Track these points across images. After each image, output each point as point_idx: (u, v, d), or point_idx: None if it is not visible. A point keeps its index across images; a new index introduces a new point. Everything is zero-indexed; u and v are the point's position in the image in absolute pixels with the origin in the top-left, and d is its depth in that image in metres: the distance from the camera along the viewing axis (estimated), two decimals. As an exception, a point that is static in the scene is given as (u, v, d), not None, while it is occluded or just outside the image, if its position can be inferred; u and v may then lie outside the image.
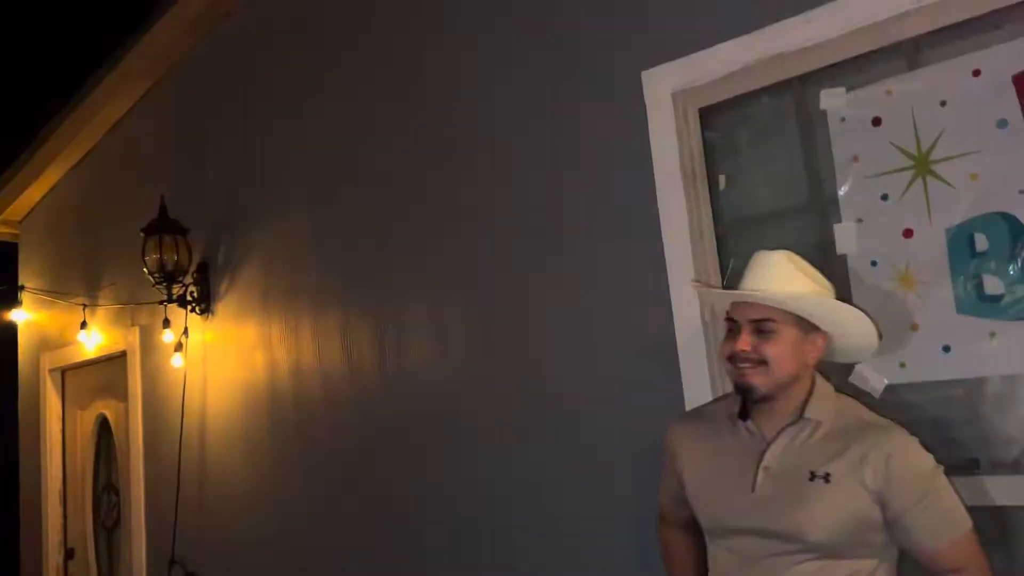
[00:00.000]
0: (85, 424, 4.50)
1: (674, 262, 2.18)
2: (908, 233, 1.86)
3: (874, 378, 1.90)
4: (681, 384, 2.16)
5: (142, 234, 3.54)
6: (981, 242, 1.76)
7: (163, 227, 3.55)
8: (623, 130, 2.30)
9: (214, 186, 3.72)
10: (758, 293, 1.60)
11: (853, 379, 1.92)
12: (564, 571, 2.40)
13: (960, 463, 1.79)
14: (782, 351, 1.58)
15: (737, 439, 1.67)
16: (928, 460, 1.55)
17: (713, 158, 2.20)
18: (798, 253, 1.97)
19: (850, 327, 1.64)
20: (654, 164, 2.23)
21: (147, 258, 3.53)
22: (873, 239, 1.90)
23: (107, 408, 4.34)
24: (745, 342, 1.60)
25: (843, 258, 1.95)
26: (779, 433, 1.61)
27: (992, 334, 1.75)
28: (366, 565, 2.94)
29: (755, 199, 2.14)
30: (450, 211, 2.76)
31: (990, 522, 1.76)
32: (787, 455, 1.60)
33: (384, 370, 2.96)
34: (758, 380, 1.58)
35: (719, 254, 2.18)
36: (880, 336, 1.67)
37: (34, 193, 4.80)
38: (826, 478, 1.54)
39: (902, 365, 1.86)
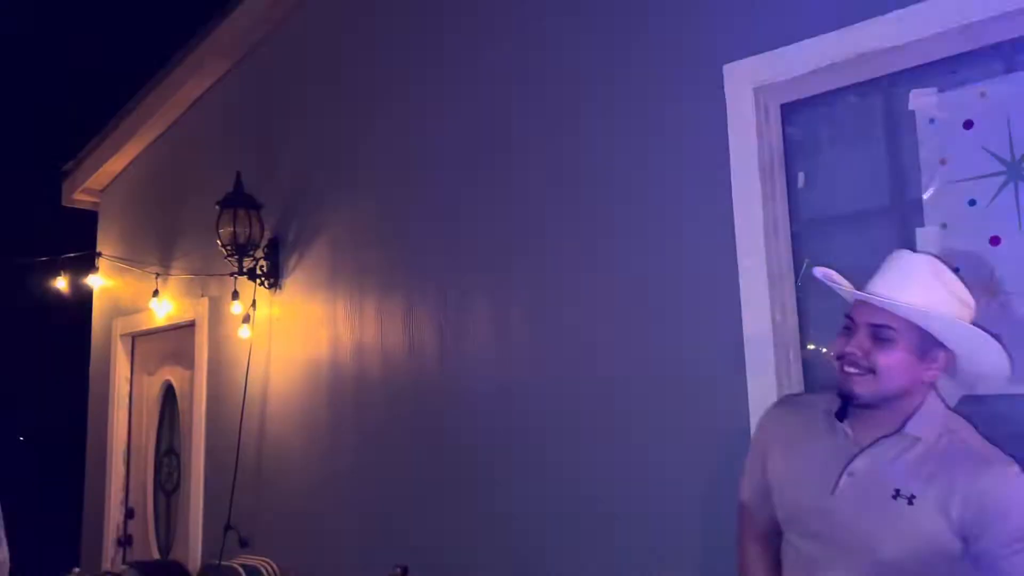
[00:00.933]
0: (151, 389, 4.65)
1: (746, 259, 2.15)
2: (995, 240, 1.80)
3: (949, 387, 1.84)
4: (746, 385, 2.13)
5: (218, 206, 3.63)
6: (1073, 253, 1.70)
7: (238, 201, 3.63)
8: (702, 124, 2.28)
9: (287, 165, 3.80)
10: (884, 298, 1.50)
11: (928, 388, 1.87)
12: (627, 570, 2.39)
13: None
14: (895, 363, 1.49)
15: (830, 438, 1.60)
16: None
17: (793, 155, 2.17)
18: (877, 257, 1.93)
19: (979, 356, 1.53)
20: (732, 159, 2.20)
21: (221, 230, 3.62)
22: (957, 245, 1.85)
23: (173, 375, 4.47)
24: (857, 345, 1.52)
25: (924, 263, 1.90)
26: (873, 443, 1.54)
27: (1080, 348, 1.68)
28: (415, 546, 2.97)
29: (834, 199, 2.10)
30: (519, 201, 2.77)
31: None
32: (877, 466, 1.53)
33: (443, 355, 2.98)
34: (862, 388, 1.51)
35: (793, 253, 2.14)
36: (1011, 369, 1.55)
37: (115, 164, 4.96)
38: (910, 500, 1.47)
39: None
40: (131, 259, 4.66)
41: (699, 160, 2.28)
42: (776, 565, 1.73)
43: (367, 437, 3.25)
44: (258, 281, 3.72)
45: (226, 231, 3.62)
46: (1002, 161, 1.80)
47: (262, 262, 3.72)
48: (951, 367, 1.55)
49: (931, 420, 1.53)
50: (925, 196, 1.91)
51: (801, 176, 2.15)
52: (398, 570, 2.91)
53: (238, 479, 3.71)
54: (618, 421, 2.43)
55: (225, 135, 4.25)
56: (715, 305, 2.21)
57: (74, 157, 5.12)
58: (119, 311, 4.84)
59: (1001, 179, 1.80)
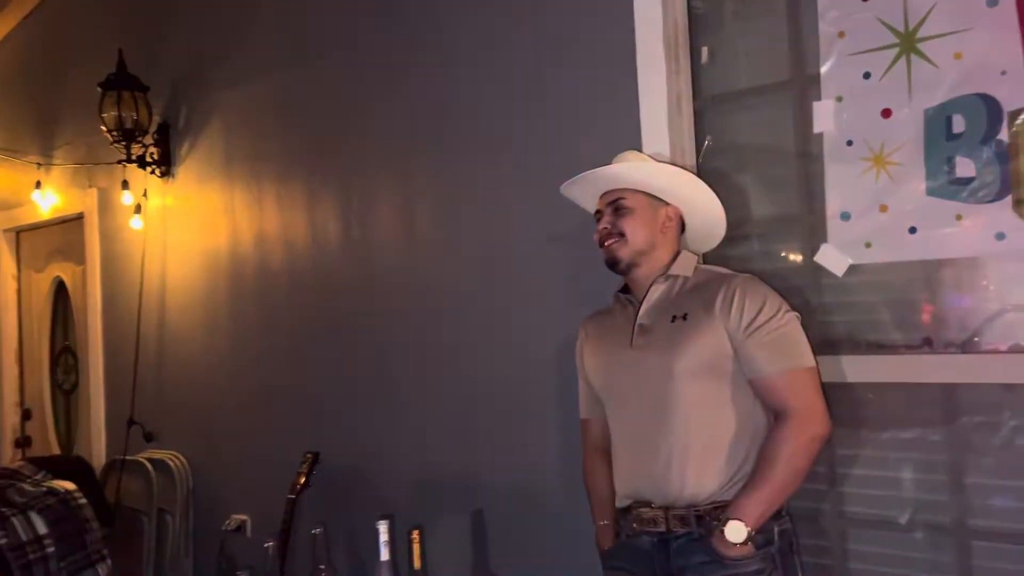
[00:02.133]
0: (40, 287, 4.42)
1: (650, 137, 2.14)
2: (887, 113, 1.84)
3: (837, 258, 1.92)
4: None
5: (99, 89, 3.39)
6: (958, 124, 1.75)
7: (122, 82, 3.39)
8: (606, -3, 2.22)
9: (174, 43, 3.56)
10: (599, 170, 1.84)
11: (817, 258, 1.94)
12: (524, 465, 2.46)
13: (915, 343, 1.84)
14: (636, 222, 1.81)
15: (622, 312, 1.89)
16: (776, 298, 1.73)
17: (697, 30, 2.14)
18: (775, 131, 2.01)
19: (696, 202, 1.84)
20: (636, 34, 2.16)
21: (105, 115, 3.39)
22: (851, 118, 1.88)
23: (63, 271, 4.26)
24: (606, 220, 1.84)
25: (819, 137, 1.93)
26: (647, 292, 1.82)
27: (958, 216, 1.76)
28: (325, 433, 2.98)
29: (736, 74, 2.10)
30: (419, 75, 2.68)
31: (938, 398, 1.83)
32: (657, 310, 1.80)
33: (347, 243, 2.92)
34: (621, 252, 1.81)
35: (696, 131, 2.15)
36: (724, 214, 1.86)
37: (-17, 45, 4.54)
38: (684, 317, 1.74)
39: (867, 245, 1.87)
40: (7, 148, 4.35)
41: (606, 33, 2.23)
42: (609, 468, 1.91)
43: (271, 327, 3.19)
44: (149, 169, 3.53)
45: (110, 115, 3.39)
46: (896, 33, 1.82)
47: (152, 149, 3.52)
48: (685, 222, 1.89)
49: (687, 262, 1.84)
50: (823, 69, 1.92)
51: (705, 51, 2.13)
52: (309, 456, 2.93)
53: (139, 374, 3.61)
54: (517, 307, 2.45)
55: (106, 9, 3.93)
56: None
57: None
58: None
59: (894, 51, 1.82)
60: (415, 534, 1.97)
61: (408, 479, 2.73)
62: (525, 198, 2.42)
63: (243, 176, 3.27)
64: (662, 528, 1.73)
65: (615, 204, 1.83)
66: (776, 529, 1.70)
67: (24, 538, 2.56)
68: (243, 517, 3.24)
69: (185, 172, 3.51)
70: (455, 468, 2.60)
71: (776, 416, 1.70)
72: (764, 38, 2.04)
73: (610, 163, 1.90)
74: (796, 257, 2.01)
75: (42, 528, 2.60)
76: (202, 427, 3.44)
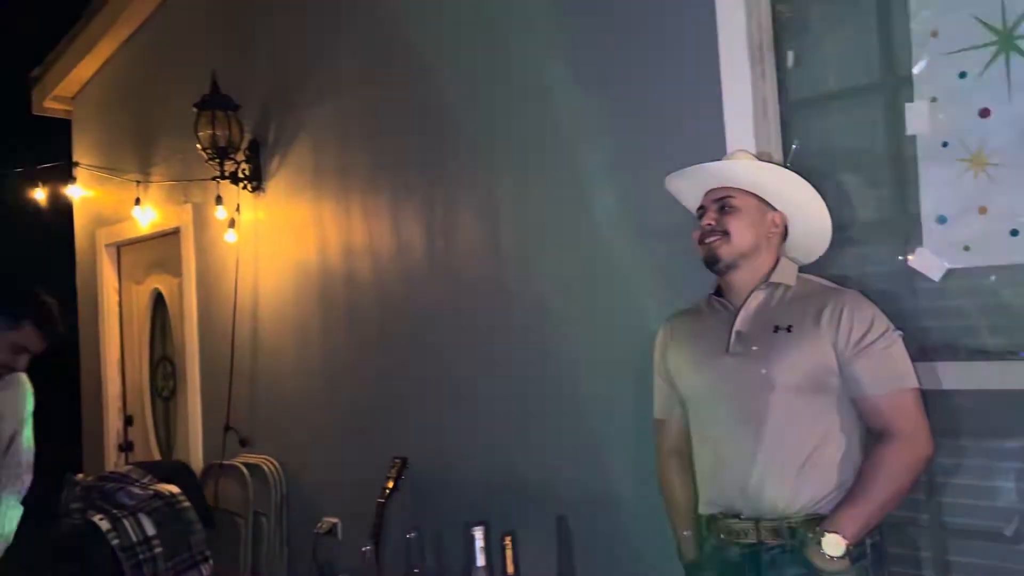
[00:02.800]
0: (140, 298, 4.65)
1: (734, 142, 2.13)
2: (985, 113, 1.79)
3: (934, 262, 1.87)
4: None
5: (195, 109, 3.55)
6: (1062, 122, 1.70)
7: (215, 102, 3.54)
8: (689, 4, 2.22)
9: (263, 63, 3.70)
10: (711, 164, 1.81)
11: (913, 263, 1.90)
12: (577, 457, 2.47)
13: (1016, 349, 1.79)
14: (742, 223, 1.78)
15: (715, 315, 1.85)
16: (882, 317, 1.71)
17: (782, 33, 2.12)
18: (866, 134, 1.98)
19: (801, 202, 1.80)
20: (720, 39, 2.16)
21: (200, 133, 3.54)
22: (947, 119, 1.84)
23: (161, 283, 4.46)
24: (711, 217, 1.80)
25: (912, 139, 1.90)
26: (747, 298, 1.78)
27: (1064, 218, 1.71)
28: (413, 439, 3.05)
29: (824, 77, 2.07)
30: (502, 82, 2.72)
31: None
32: (757, 318, 1.76)
33: (432, 252, 2.99)
34: (722, 251, 1.78)
35: (782, 135, 2.13)
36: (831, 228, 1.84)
37: (86, 69, 4.80)
38: (788, 328, 1.71)
39: (966, 248, 1.83)
40: (110, 168, 4.58)
41: (688, 39, 2.23)
42: (689, 472, 1.90)
43: (360, 335, 3.28)
44: (241, 185, 3.68)
45: (205, 134, 3.54)
46: (994, 31, 1.77)
47: (243, 165, 3.67)
48: (788, 231, 1.85)
49: (789, 271, 1.81)
50: (915, 70, 1.89)
51: (791, 55, 2.11)
52: (398, 462, 3.00)
53: (234, 382, 3.76)
54: (602, 302, 2.45)
55: (198, 33, 4.11)
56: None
57: (41, 63, 4.94)
58: (102, 221, 4.79)
59: (992, 50, 1.77)
60: (507, 540, 2.01)
61: (493, 484, 2.77)
62: (606, 205, 2.44)
63: (331, 189, 3.38)
64: (752, 540, 1.72)
65: (722, 202, 1.80)
66: (868, 542, 1.68)
67: (134, 539, 2.70)
68: (334, 520, 3.34)
69: (275, 186, 3.64)
70: (539, 473, 2.63)
71: (879, 435, 1.69)
72: (853, 40, 2.02)
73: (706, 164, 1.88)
74: (890, 262, 1.97)
75: (150, 530, 2.73)
76: (294, 432, 3.56)
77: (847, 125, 2.04)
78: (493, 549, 2.02)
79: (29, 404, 2.49)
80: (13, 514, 2.44)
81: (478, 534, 1.75)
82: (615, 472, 2.42)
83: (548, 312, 2.62)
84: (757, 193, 1.80)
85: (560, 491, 2.55)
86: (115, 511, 2.72)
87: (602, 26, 2.44)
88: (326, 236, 3.40)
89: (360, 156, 3.27)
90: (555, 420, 2.59)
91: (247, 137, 3.67)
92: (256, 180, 3.68)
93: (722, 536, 1.77)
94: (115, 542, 2.64)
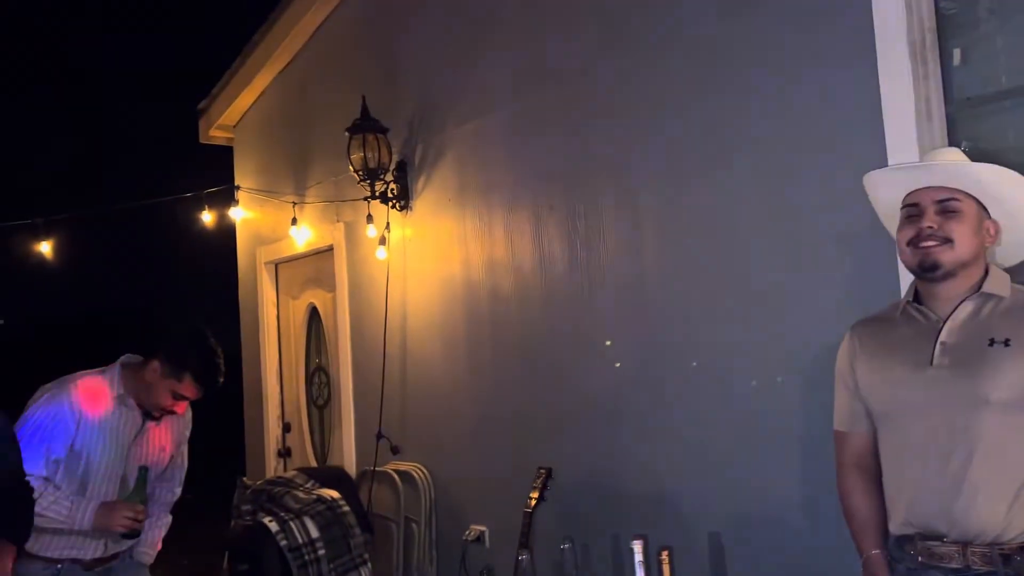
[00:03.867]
0: (297, 312, 4.92)
1: (896, 146, 2.06)
2: None
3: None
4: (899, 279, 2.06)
5: (347, 133, 3.74)
6: None
7: (365, 126, 3.72)
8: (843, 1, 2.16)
9: (410, 86, 3.85)
10: (941, 164, 1.67)
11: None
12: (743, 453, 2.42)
13: None
14: (966, 229, 1.65)
15: (912, 325, 1.73)
16: None
17: (946, 30, 2.03)
18: None
19: (1017, 203, 1.67)
20: (876, 35, 2.08)
21: (352, 156, 3.72)
22: None
23: (316, 298, 4.71)
24: (932, 220, 1.66)
25: (1096, 136, 1.77)
26: (955, 308, 1.67)
27: None
28: (557, 451, 3.08)
29: (994, 75, 1.97)
30: (642, 103, 2.73)
31: None
32: (965, 329, 1.65)
33: (573, 267, 3.02)
34: (944, 257, 1.65)
35: (948, 136, 2.03)
36: None
37: (246, 99, 5.15)
38: (1006, 343, 1.59)
39: None
40: (268, 190, 4.89)
41: (844, 37, 2.17)
42: (874, 488, 1.81)
43: (504, 348, 3.35)
44: (390, 204, 3.84)
45: (356, 157, 3.72)
46: None
47: (392, 185, 3.83)
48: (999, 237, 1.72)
49: (1003, 280, 1.69)
50: (1098, 62, 1.76)
51: (956, 52, 2.01)
52: (543, 472, 3.04)
53: (385, 391, 3.91)
54: (753, 312, 2.41)
55: (348, 60, 4.34)
56: (860, 196, 2.13)
57: (207, 95, 5.35)
58: (261, 240, 5.10)
59: None
60: (664, 554, 2.00)
61: (639, 498, 2.76)
62: (758, 210, 2.40)
63: (475, 205, 3.48)
64: (958, 565, 1.62)
65: (945, 204, 1.67)
66: None
67: (300, 540, 2.86)
68: (482, 528, 3.41)
69: (422, 205, 3.78)
70: (692, 487, 2.60)
71: None
72: (1025, 34, 1.90)
73: (870, 167, 1.81)
74: None
75: (314, 532, 2.89)
76: (443, 441, 3.67)
77: (1019, 124, 1.92)
78: (650, 564, 2.01)
79: (187, 431, 2.66)
80: (163, 522, 2.66)
81: (637, 547, 1.75)
82: (778, 488, 2.36)
83: (697, 324, 2.59)
84: (980, 199, 1.68)
85: (713, 507, 2.52)
86: (282, 513, 2.90)
87: (755, 27, 2.40)
88: (470, 251, 3.50)
89: (503, 173, 3.35)
90: (710, 431, 2.56)
91: (395, 158, 3.83)
92: (404, 199, 3.84)
93: (920, 559, 1.68)
94: (283, 543, 2.80)
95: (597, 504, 2.93)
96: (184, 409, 2.52)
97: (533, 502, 3.01)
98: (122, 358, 2.48)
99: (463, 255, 3.55)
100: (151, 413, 2.44)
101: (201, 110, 5.43)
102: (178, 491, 2.73)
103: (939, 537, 1.64)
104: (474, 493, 3.51)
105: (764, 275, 2.39)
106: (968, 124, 2.00)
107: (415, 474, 3.70)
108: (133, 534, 2.43)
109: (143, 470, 2.41)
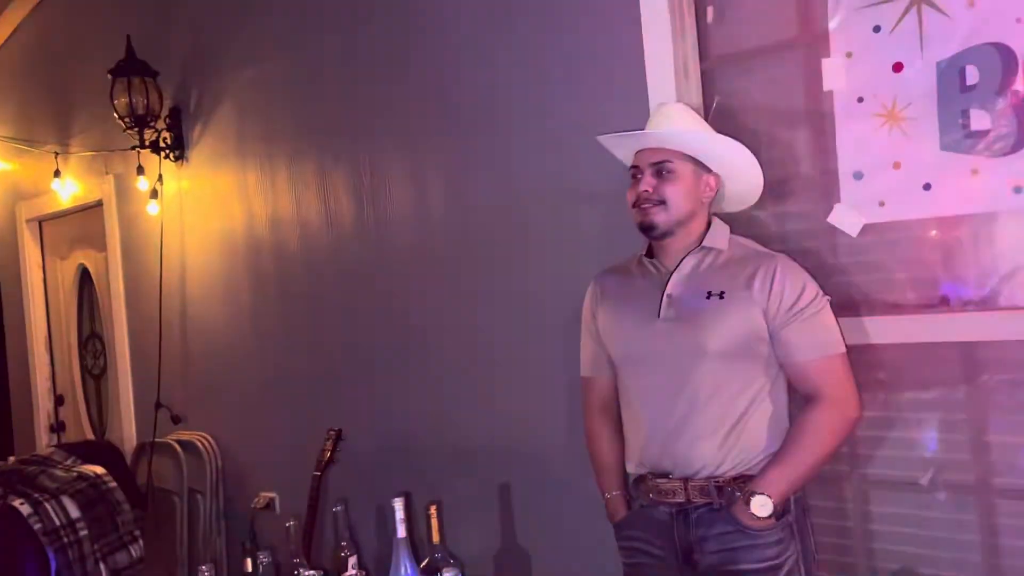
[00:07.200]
0: (65, 274, 4.49)
1: (657, 100, 2.10)
2: (898, 67, 1.79)
3: (851, 217, 1.88)
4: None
5: (109, 76, 3.40)
6: (972, 75, 1.70)
7: (131, 68, 3.40)
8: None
9: (182, 27, 3.55)
10: (653, 133, 1.76)
11: (831, 219, 1.91)
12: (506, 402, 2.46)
13: (932, 302, 1.81)
14: (680, 190, 1.75)
15: (646, 277, 1.84)
16: (812, 282, 1.73)
17: (702, -11, 2.09)
18: (785, 91, 1.97)
19: (735, 163, 1.77)
20: (640, -3, 2.12)
21: (116, 101, 3.40)
22: (861, 74, 1.84)
23: (86, 258, 4.31)
24: (648, 183, 1.75)
25: (829, 94, 1.89)
26: (680, 262, 1.77)
27: (974, 171, 1.72)
28: (348, 410, 3.01)
29: (743, 34, 2.05)
30: (425, 46, 2.65)
31: (957, 357, 1.80)
32: (689, 282, 1.76)
33: (361, 220, 2.92)
34: (659, 218, 1.75)
35: (703, 92, 2.11)
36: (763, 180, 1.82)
37: (-4, 35, 4.57)
38: (720, 295, 1.71)
39: (881, 204, 1.84)
40: (26, 139, 4.39)
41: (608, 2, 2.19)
42: (615, 433, 1.92)
43: (290, 307, 3.22)
44: (162, 154, 3.55)
45: (122, 102, 3.41)
46: (907, -17, 1.76)
47: (164, 134, 3.54)
48: (720, 193, 1.83)
49: (722, 234, 1.80)
50: (831, 25, 1.87)
51: (710, 11, 2.08)
52: (332, 433, 2.96)
53: (164, 358, 3.66)
54: (531, 262, 2.44)
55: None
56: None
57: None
58: (21, 195, 4.60)
59: (905, 3, 1.77)
60: (432, 509, 1.99)
61: (431, 454, 2.75)
62: (531, 165, 2.41)
63: (256, 157, 3.28)
64: (681, 499, 1.74)
65: (659, 166, 1.75)
66: (792, 498, 1.72)
67: (57, 522, 2.62)
68: (272, 495, 3.29)
69: (198, 155, 3.52)
70: (477, 441, 2.61)
71: (808, 398, 1.72)
72: (771, -5, 1.99)
73: (636, 122, 1.84)
74: (809, 218, 1.97)
75: (74, 512, 2.66)
76: (228, 407, 3.49)
77: (767, 82, 2.03)
78: (419, 520, 2.00)
79: None
80: None
81: (398, 505, 1.73)
82: (548, 435, 2.41)
83: (478, 278, 2.58)
84: (696, 157, 1.77)
85: (500, 458, 2.54)
86: (36, 495, 2.64)
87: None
88: (252, 205, 3.31)
89: (285, 122, 3.17)
90: (487, 386, 2.57)
91: (167, 104, 3.54)
92: (178, 149, 3.56)
93: (651, 496, 1.79)
94: (37, 526, 2.56)
95: (389, 464, 2.90)
96: None
97: (323, 464, 2.94)
98: None
99: (245, 210, 3.34)
100: None
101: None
102: None
103: (666, 475, 1.76)
104: (264, 459, 3.38)
105: (541, 229, 2.41)
106: (721, 81, 2.08)
107: (199, 443, 3.51)
108: None
109: None
